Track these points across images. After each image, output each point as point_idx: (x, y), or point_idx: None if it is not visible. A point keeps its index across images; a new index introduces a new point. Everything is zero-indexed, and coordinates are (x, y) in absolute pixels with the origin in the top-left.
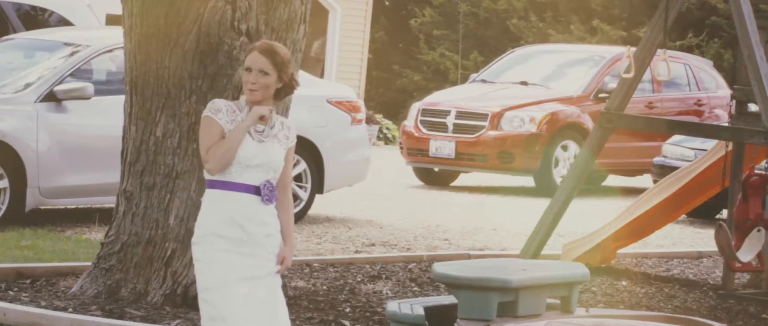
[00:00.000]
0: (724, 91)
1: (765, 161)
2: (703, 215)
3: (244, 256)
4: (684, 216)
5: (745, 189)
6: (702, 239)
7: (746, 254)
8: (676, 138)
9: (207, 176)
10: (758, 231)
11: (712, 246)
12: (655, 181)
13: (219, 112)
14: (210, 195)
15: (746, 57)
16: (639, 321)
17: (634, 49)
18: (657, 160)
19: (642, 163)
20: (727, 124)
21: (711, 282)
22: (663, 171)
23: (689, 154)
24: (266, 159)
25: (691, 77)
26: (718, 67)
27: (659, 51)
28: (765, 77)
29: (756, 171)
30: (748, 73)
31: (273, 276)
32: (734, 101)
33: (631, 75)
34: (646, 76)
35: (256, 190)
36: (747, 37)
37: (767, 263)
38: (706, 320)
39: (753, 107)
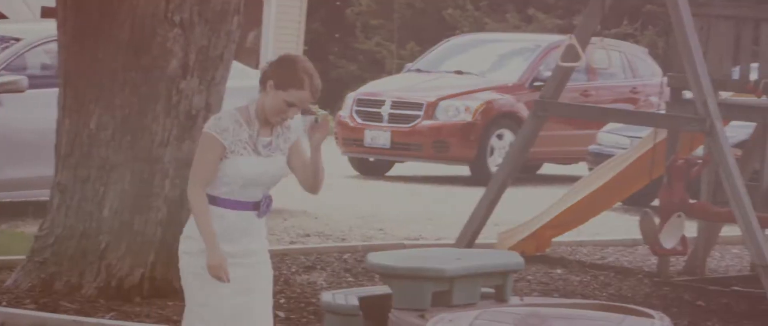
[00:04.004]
0: (659, 79)
1: (699, 148)
2: (638, 203)
3: (240, 267)
4: (619, 203)
5: (670, 175)
6: (637, 227)
7: (668, 240)
8: (611, 126)
9: (210, 192)
10: (678, 216)
11: (639, 232)
12: (590, 169)
13: (225, 131)
14: (212, 211)
15: (680, 44)
16: (574, 309)
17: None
18: (592, 147)
19: (577, 151)
20: (662, 112)
21: (646, 269)
22: (598, 159)
23: (624, 142)
24: (271, 175)
25: (627, 65)
26: (654, 55)
27: (595, 39)
28: (699, 65)
29: (682, 157)
30: (683, 60)
31: (268, 283)
32: (669, 88)
33: (578, 63)
34: (582, 64)
35: (254, 206)
36: (681, 23)
37: (699, 247)
38: (641, 307)
39: (688, 94)
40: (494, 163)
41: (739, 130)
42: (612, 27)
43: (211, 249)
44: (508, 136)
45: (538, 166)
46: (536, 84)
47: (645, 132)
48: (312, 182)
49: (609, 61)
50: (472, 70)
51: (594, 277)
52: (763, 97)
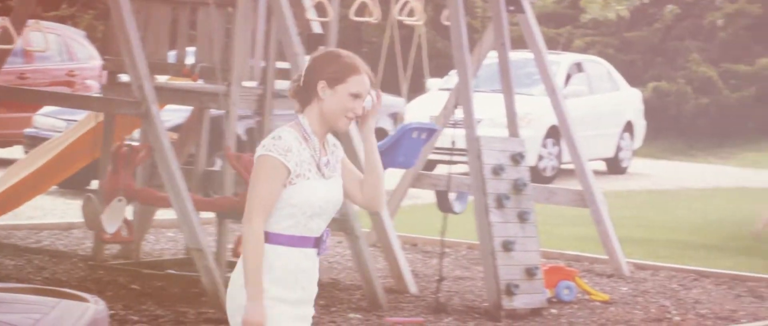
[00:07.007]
0: (96, 62)
1: (136, 131)
2: (73, 186)
3: (299, 320)
4: (55, 187)
5: (115, 161)
6: (72, 210)
7: (110, 224)
8: (48, 109)
9: (267, 228)
10: (119, 200)
11: (82, 217)
12: (26, 152)
13: (288, 152)
14: (269, 251)
15: (118, 27)
16: (6, 293)
17: (7, 18)
18: (28, 131)
19: (13, 134)
20: (98, 95)
21: (81, 253)
22: (34, 142)
23: (61, 125)
24: (336, 201)
25: (64, 48)
26: (93, 38)
27: (31, 21)
28: (136, 48)
29: (127, 143)
30: (120, 44)
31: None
32: (106, 72)
33: (13, 46)
34: (19, 47)
35: (315, 242)
36: (119, 7)
37: (136, 233)
38: (76, 291)
39: (125, 78)
40: None
41: (175, 114)
42: (51, 10)
43: (254, 300)
44: None
45: None
46: None
47: (81, 115)
48: (375, 191)
49: (46, 44)
50: None
51: (28, 261)
52: (200, 81)
